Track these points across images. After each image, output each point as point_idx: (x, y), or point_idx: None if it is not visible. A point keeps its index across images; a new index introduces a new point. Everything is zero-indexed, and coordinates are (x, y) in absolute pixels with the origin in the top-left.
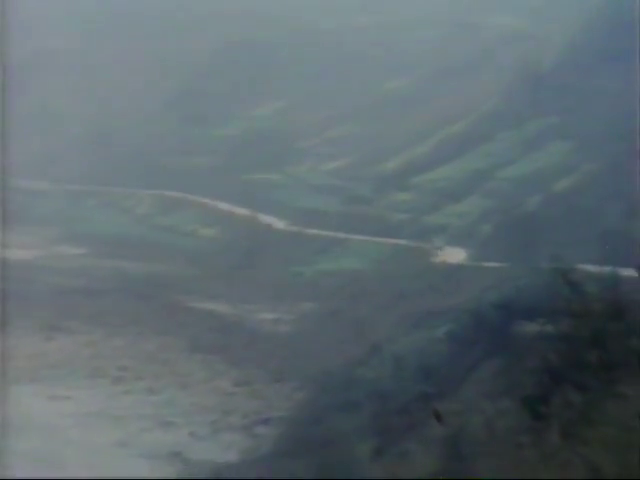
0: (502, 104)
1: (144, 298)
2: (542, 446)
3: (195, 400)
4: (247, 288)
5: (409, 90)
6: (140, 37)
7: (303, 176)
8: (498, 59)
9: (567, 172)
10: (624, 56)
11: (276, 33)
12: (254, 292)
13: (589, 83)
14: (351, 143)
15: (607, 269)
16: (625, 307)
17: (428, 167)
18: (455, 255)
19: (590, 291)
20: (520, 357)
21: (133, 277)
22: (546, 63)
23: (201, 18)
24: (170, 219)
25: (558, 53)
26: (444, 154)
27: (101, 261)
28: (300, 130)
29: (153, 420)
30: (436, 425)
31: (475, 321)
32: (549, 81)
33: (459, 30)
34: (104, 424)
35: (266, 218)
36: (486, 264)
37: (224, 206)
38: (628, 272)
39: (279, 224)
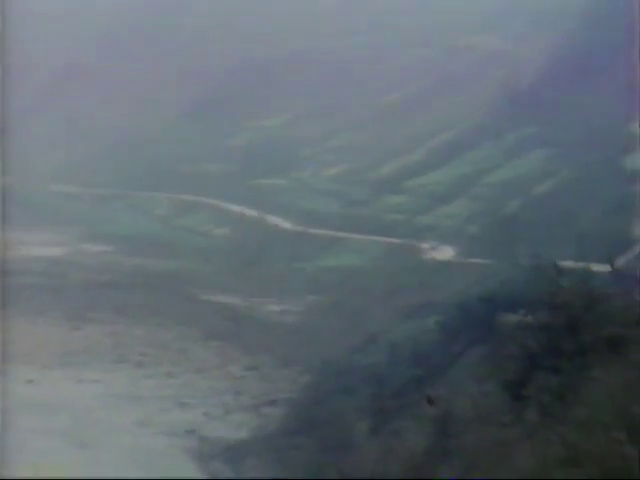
0: (486, 116)
1: (163, 292)
2: (522, 425)
3: (209, 383)
4: (256, 282)
5: (402, 104)
6: (160, 56)
7: (306, 181)
8: (483, 76)
9: (545, 177)
10: (597, 73)
11: (283, 52)
12: (262, 286)
13: (565, 97)
14: (350, 151)
15: (581, 265)
16: (597, 299)
17: (419, 172)
18: (444, 253)
19: (566, 285)
20: (502, 345)
21: (153, 273)
22: (525, 79)
23: (215, 38)
24: (186, 220)
25: (536, 70)
26: (434, 161)
27: (124, 258)
28: (303, 140)
29: (171, 401)
30: (427, 406)
31: (462, 312)
32: (528, 95)
33: (447, 50)
34: (127, 405)
35: (273, 219)
36: (472, 261)
37: (235, 208)
38: (600, 268)
39: (285, 224)
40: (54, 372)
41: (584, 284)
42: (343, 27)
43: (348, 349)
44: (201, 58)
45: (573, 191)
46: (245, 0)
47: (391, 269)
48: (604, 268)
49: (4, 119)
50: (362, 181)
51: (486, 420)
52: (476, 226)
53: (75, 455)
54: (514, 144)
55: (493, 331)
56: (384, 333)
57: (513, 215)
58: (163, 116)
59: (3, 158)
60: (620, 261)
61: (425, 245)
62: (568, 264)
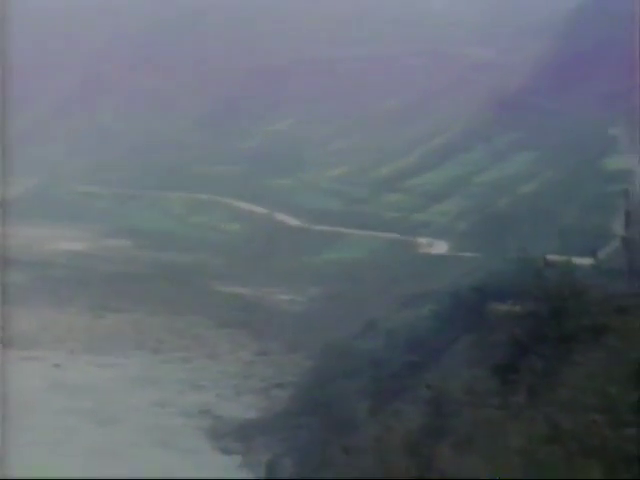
0: (476, 121)
1: (178, 283)
2: (510, 406)
3: (221, 368)
4: (265, 274)
5: (399, 110)
6: (176, 65)
7: (311, 181)
8: (473, 84)
9: (530, 178)
10: (579, 82)
11: (289, 61)
12: (271, 277)
13: (549, 104)
14: (351, 154)
15: (564, 258)
16: (579, 290)
17: (415, 173)
18: (438, 247)
19: (550, 277)
20: (492, 332)
21: (169, 265)
22: (513, 87)
23: (227, 50)
24: (200, 217)
25: (523, 79)
26: (428, 163)
27: (143, 252)
28: (308, 143)
29: (186, 384)
30: (423, 389)
31: (454, 302)
32: (515, 102)
33: (440, 60)
34: (145, 387)
35: (280, 216)
36: (464, 254)
37: (245, 206)
38: (581, 261)
39: (291, 221)
40: (79, 357)
41: (567, 276)
42: (345, 38)
43: (349, 335)
44: (214, 68)
45: (556, 190)
46: (254, 14)
47: (389, 262)
48: (585, 261)
49: (32, 123)
50: (362, 181)
51: (477, 402)
52: (467, 222)
53: (97, 432)
54: (502, 147)
55: (483, 319)
56: (382, 320)
57: (501, 212)
58: (179, 121)
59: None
60: (601, 255)
61: (420, 240)
62: (552, 257)
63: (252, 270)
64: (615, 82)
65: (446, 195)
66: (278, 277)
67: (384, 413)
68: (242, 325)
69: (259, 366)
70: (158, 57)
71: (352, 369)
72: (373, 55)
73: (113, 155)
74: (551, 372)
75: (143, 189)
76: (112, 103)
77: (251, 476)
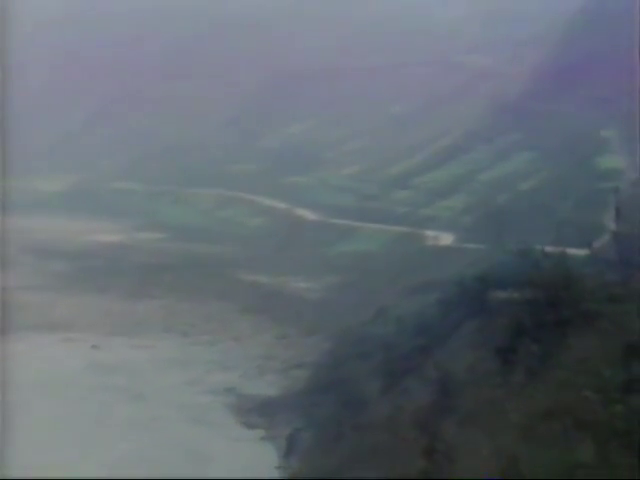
0: (478, 124)
1: (206, 272)
2: (510, 385)
3: (245, 350)
4: (285, 264)
5: (407, 114)
6: (205, 73)
7: (327, 179)
8: (475, 90)
9: (529, 176)
10: (573, 87)
11: (307, 70)
12: (290, 267)
13: (546, 108)
14: (363, 154)
15: (559, 250)
16: (573, 279)
17: (422, 172)
18: (443, 239)
19: (546, 267)
20: (493, 317)
21: (197, 256)
22: (512, 93)
23: (250, 59)
24: (226, 212)
25: (521, 85)
26: (434, 162)
27: (173, 244)
28: (324, 144)
29: (213, 365)
30: (430, 369)
31: (459, 290)
32: (514, 107)
33: (445, 68)
34: (176, 368)
35: (299, 211)
36: (467, 246)
37: (267, 202)
38: (576, 252)
39: (309, 215)
40: (114, 339)
41: (562, 266)
42: (357, 49)
43: (362, 321)
44: (238, 76)
45: (553, 187)
46: (274, 26)
47: (398, 253)
48: (579, 252)
49: (79, 124)
50: (374, 179)
51: (480, 381)
52: (471, 217)
53: (130, 408)
54: (502, 148)
55: (485, 306)
56: (392, 307)
57: (502, 208)
58: (206, 124)
59: (71, 159)
60: (594, 247)
61: (427, 233)
62: (549, 249)
63: (273, 260)
64: (606, 88)
65: (451, 192)
66: (297, 267)
67: (394, 392)
68: (264, 311)
69: (280, 348)
70: (189, 65)
71: (365, 351)
72: (383, 64)
73: (146, 155)
74: (548, 354)
75: (174, 186)
76: (145, 107)
77: (272, 448)
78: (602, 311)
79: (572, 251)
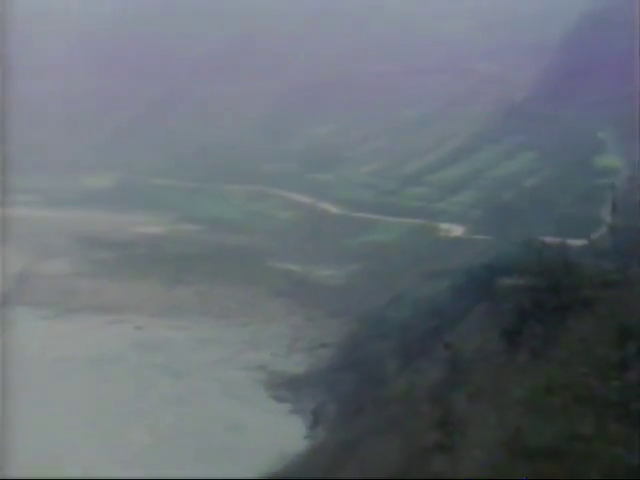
0: (486, 126)
1: (239, 261)
2: (515, 364)
3: (275, 331)
4: (310, 253)
5: (420, 117)
6: (238, 78)
7: (348, 176)
8: (483, 95)
9: (532, 174)
10: (573, 93)
11: (329, 76)
12: (315, 256)
13: (548, 111)
14: (381, 153)
15: (560, 241)
16: (572, 267)
17: (435, 170)
18: (454, 231)
19: (548, 256)
20: (500, 302)
21: (231, 246)
22: (517, 97)
23: (279, 66)
24: (257, 206)
25: (526, 90)
26: (446, 161)
27: (209, 235)
28: (345, 145)
29: (246, 344)
30: (442, 349)
31: (468, 277)
32: (519, 110)
33: (455, 74)
34: (212, 347)
35: (323, 205)
36: (476, 237)
37: (294, 197)
38: (575, 243)
39: (332, 209)
40: (156, 320)
41: (562, 255)
42: (374, 58)
43: (381, 305)
44: (268, 82)
45: (553, 184)
46: (301, 37)
47: (414, 244)
48: (578, 243)
49: (124, 123)
50: (391, 176)
51: (487, 360)
52: (479, 211)
53: (170, 383)
54: (508, 148)
55: (492, 292)
56: (408, 293)
57: (507, 203)
58: (239, 126)
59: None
60: (592, 238)
61: (440, 225)
62: (550, 240)
63: (300, 250)
64: (603, 93)
65: (461, 188)
66: (321, 256)
67: (410, 369)
68: (292, 295)
69: (306, 330)
70: (224, 72)
71: (383, 333)
72: (398, 71)
73: (184, 154)
74: (549, 336)
75: (209, 182)
76: (184, 109)
77: (299, 420)
78: (599, 296)
79: (572, 242)
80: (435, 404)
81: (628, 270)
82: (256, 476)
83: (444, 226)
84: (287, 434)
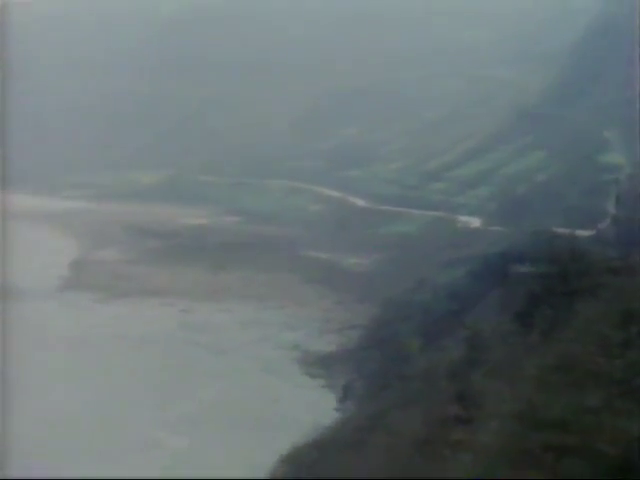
0: (500, 127)
1: (274, 249)
2: (528, 343)
3: (308, 313)
4: (340, 243)
5: (440, 119)
6: (276, 84)
7: (374, 172)
8: (497, 98)
9: (542, 170)
10: (580, 96)
11: (357, 82)
12: (344, 245)
13: (557, 113)
14: (404, 152)
15: (568, 231)
16: (580, 255)
17: (454, 167)
18: (472, 223)
19: (557, 245)
20: (513, 287)
21: (268, 236)
22: (529, 101)
23: (313, 72)
24: (292, 200)
25: (537, 94)
26: (464, 159)
27: (248, 226)
28: (371, 144)
29: (282, 325)
30: (461, 330)
31: (484, 264)
32: (530, 112)
33: (471, 80)
34: (251, 328)
35: (352, 199)
36: (492, 228)
37: (325, 191)
38: (582, 233)
39: (360, 203)
40: (200, 304)
41: (570, 244)
42: (397, 65)
43: (404, 290)
44: (301, 86)
45: (562, 179)
46: (331, 48)
47: (435, 234)
48: (585, 233)
49: (173, 125)
50: (414, 172)
51: (502, 340)
52: (494, 204)
53: (214, 361)
54: (520, 147)
55: (506, 278)
56: (430, 278)
57: (520, 196)
58: (276, 126)
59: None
60: (598, 228)
61: (459, 217)
62: (559, 230)
63: (330, 240)
64: (608, 96)
65: (478, 183)
66: (350, 245)
67: (431, 348)
68: (323, 281)
69: (337, 312)
70: (263, 75)
71: (406, 315)
72: (420, 76)
73: (226, 152)
74: (558, 318)
75: (249, 178)
76: (226, 110)
77: (331, 394)
78: (604, 282)
79: (579, 232)
80: (454, 380)
81: (630, 258)
82: (291, 445)
83: (462, 218)
84: (319, 407)
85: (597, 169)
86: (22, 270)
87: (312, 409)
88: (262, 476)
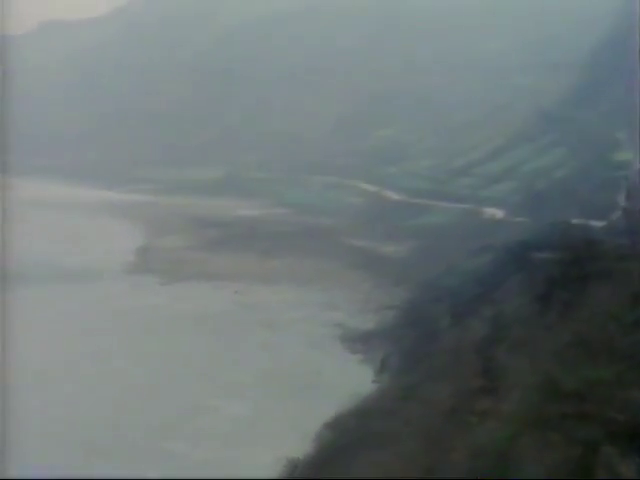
0: (523, 127)
1: (318, 238)
2: (546, 322)
3: (349, 295)
4: (377, 232)
5: (467, 120)
6: (318, 87)
7: (409, 168)
8: (520, 101)
9: (561, 166)
10: (597, 99)
11: (392, 87)
12: (381, 234)
13: (575, 115)
14: (435, 150)
15: (582, 222)
16: (593, 243)
17: (481, 164)
18: (497, 214)
19: (573, 234)
20: (533, 273)
21: (313, 226)
22: (549, 103)
23: (351, 77)
24: (334, 193)
25: (557, 97)
26: (490, 156)
27: (295, 217)
28: (405, 143)
29: (325, 306)
30: (486, 310)
31: (507, 252)
32: (550, 114)
33: (496, 85)
34: (298, 308)
35: (387, 193)
36: (515, 220)
37: (364, 186)
38: (595, 224)
39: (394, 196)
40: (252, 286)
41: (584, 234)
42: (428, 70)
43: (435, 275)
44: (344, 89)
45: (578, 175)
46: (367, 54)
47: (463, 225)
48: (598, 224)
49: (229, 125)
50: (444, 168)
51: (523, 320)
52: (517, 197)
53: (266, 334)
54: (541, 146)
55: (527, 264)
56: (458, 265)
57: (540, 190)
58: (320, 127)
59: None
60: (610, 219)
61: (485, 209)
62: (574, 221)
63: (368, 230)
64: (620, 100)
65: (502, 179)
66: (386, 234)
67: (459, 327)
68: (363, 267)
69: (375, 294)
70: (309, 82)
71: (437, 297)
72: (449, 82)
73: (276, 151)
74: (574, 300)
75: (296, 174)
76: (275, 113)
77: (369, 368)
78: (615, 267)
79: (592, 223)
80: (480, 355)
81: (638, 246)
82: (333, 412)
83: (487, 210)
84: (358, 379)
85: (609, 166)
86: (94, 255)
87: (352, 380)
88: (310, 440)
